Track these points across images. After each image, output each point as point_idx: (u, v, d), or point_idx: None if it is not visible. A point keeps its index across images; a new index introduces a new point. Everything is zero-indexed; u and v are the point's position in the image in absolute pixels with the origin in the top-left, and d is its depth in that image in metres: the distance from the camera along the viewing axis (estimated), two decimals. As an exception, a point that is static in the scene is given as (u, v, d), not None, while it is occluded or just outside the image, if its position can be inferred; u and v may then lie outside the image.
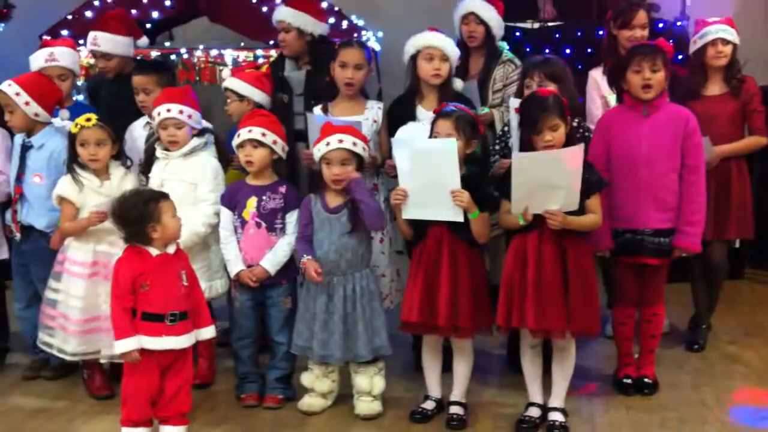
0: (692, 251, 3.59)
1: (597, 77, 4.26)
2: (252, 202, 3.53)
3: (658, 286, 3.67)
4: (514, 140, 3.51)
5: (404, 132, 3.58)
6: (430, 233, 3.36)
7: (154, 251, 3.13)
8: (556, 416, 3.38)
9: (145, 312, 3.10)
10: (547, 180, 3.17)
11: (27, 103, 3.68)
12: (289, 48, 4.33)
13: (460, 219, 3.28)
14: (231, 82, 3.98)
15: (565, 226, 3.21)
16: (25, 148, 3.75)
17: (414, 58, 3.79)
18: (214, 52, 5.31)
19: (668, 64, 3.52)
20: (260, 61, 5.27)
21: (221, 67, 5.22)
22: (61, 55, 4.04)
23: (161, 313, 3.09)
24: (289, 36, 4.29)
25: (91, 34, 4.33)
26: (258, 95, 3.96)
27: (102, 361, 3.62)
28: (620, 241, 3.57)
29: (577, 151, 3.18)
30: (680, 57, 4.37)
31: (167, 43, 5.74)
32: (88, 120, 3.53)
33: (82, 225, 3.54)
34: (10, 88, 3.69)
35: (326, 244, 3.43)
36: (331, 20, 5.32)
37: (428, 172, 3.26)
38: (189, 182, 3.61)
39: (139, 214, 3.11)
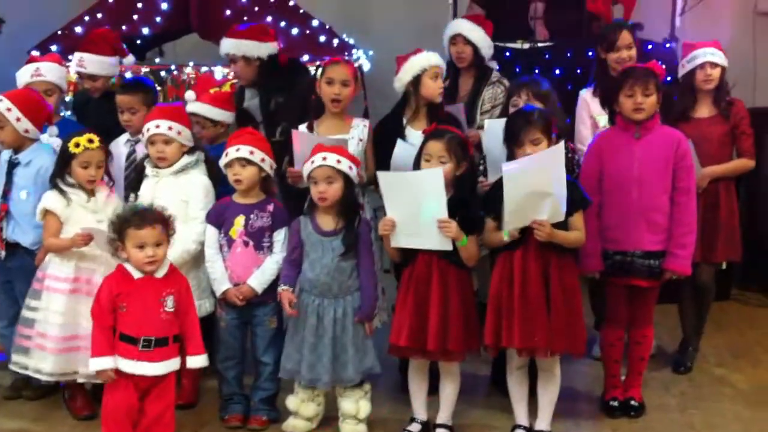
0: (683, 274, 3.59)
1: (587, 98, 4.28)
2: (239, 221, 3.51)
3: (648, 308, 3.67)
4: (488, 161, 3.57)
5: (397, 151, 3.60)
6: (420, 257, 3.35)
7: (136, 273, 3.11)
8: (542, 439, 3.38)
9: (122, 333, 3.09)
10: (534, 187, 3.16)
11: (18, 119, 3.66)
12: (243, 77, 4.33)
13: (449, 248, 3.27)
14: (201, 108, 3.95)
15: (552, 239, 3.20)
16: (12, 165, 3.72)
17: (417, 78, 3.77)
18: (204, 69, 5.29)
19: (660, 88, 3.53)
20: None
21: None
22: (47, 71, 4.03)
23: (135, 337, 3.08)
24: (237, 66, 4.29)
25: (77, 56, 4.31)
26: (229, 117, 4.01)
27: (80, 380, 3.57)
28: (610, 263, 3.57)
29: (556, 150, 3.17)
30: (669, 79, 4.38)
31: (157, 60, 5.72)
32: (91, 141, 3.51)
33: (66, 245, 3.51)
34: (1, 103, 3.66)
35: (318, 267, 3.41)
36: (322, 38, 5.36)
37: (415, 202, 3.26)
38: (180, 200, 3.60)
39: (114, 228, 3.12)
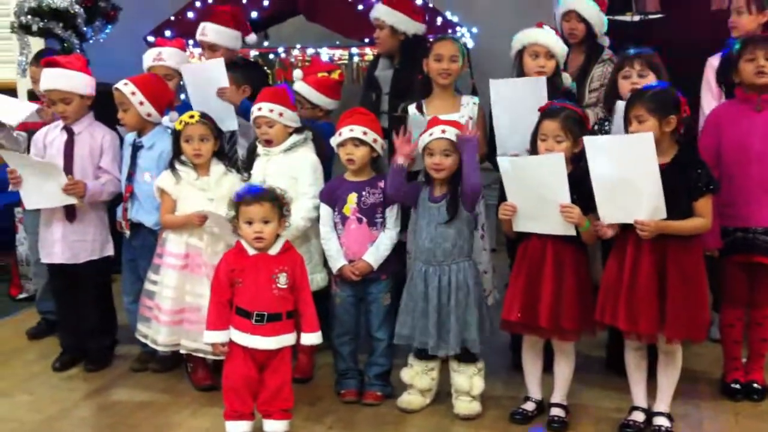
0: None
1: (714, 62, 4.10)
2: (352, 198, 3.56)
3: (770, 287, 3.54)
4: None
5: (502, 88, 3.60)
6: (535, 234, 3.30)
7: (251, 250, 3.21)
8: (661, 421, 3.30)
9: (238, 307, 3.20)
10: (624, 173, 3.05)
11: (141, 103, 3.80)
12: (382, 45, 4.38)
13: (572, 233, 3.22)
14: (303, 88, 4.03)
15: (661, 232, 3.10)
16: (136, 148, 3.87)
17: (520, 53, 3.75)
18: (310, 51, 5.37)
19: None
20: (355, 59, 5.31)
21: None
22: (168, 56, 4.18)
23: (249, 311, 3.18)
24: (382, 33, 4.34)
25: (201, 25, 4.46)
26: (330, 104, 4.07)
27: (182, 351, 3.71)
28: (730, 240, 3.46)
29: (645, 138, 3.02)
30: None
31: (265, 43, 5.83)
32: (191, 117, 3.65)
33: (181, 221, 3.65)
34: (126, 87, 3.81)
35: (424, 233, 3.43)
36: (426, 17, 5.33)
37: (536, 186, 3.21)
38: (290, 177, 3.68)
39: (232, 206, 3.22)
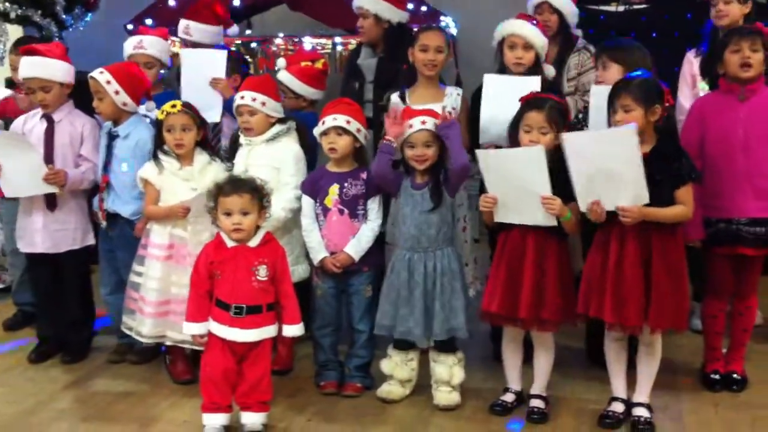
0: None
1: (690, 57, 4.16)
2: (334, 189, 3.54)
3: (753, 278, 3.55)
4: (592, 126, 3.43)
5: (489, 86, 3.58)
6: (515, 225, 3.29)
7: (230, 242, 3.18)
8: (640, 412, 3.30)
9: (218, 299, 3.18)
10: (605, 165, 3.05)
11: (116, 92, 3.75)
12: (366, 34, 4.35)
13: (554, 223, 3.20)
14: (286, 78, 4.02)
15: (643, 218, 3.10)
16: (112, 137, 3.82)
17: (501, 44, 3.74)
18: (294, 40, 5.34)
19: (767, 47, 3.38)
20: (338, 49, 5.28)
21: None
22: (149, 44, 4.14)
23: (228, 303, 3.15)
24: (366, 22, 4.30)
25: (183, 23, 4.44)
26: (314, 94, 4.05)
27: (167, 343, 3.68)
28: (714, 231, 3.46)
29: (627, 132, 3.03)
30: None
31: (248, 32, 5.79)
32: (174, 106, 3.61)
33: (164, 212, 3.62)
34: (102, 75, 3.76)
35: (408, 220, 3.41)
36: (410, 5, 5.29)
37: (516, 179, 3.19)
38: (272, 167, 3.65)
39: (211, 196, 3.18)
